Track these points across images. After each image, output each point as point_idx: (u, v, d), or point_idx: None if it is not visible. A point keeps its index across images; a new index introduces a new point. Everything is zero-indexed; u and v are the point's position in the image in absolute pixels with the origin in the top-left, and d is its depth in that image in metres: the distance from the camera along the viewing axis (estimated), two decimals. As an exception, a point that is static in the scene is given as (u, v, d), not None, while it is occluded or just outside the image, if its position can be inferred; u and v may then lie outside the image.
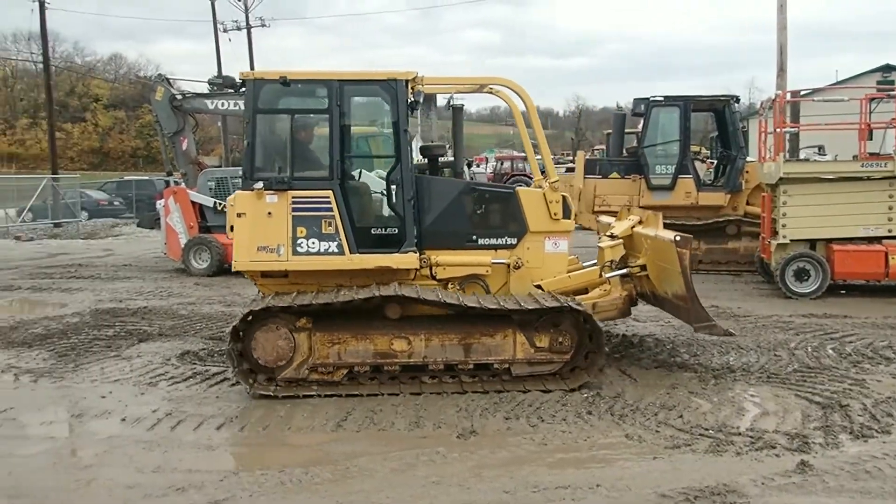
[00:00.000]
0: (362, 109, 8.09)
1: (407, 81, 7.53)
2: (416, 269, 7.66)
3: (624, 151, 16.65)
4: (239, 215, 7.41)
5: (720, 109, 15.48)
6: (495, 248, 7.85)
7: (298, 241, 7.36)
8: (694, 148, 17.13)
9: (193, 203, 15.71)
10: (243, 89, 7.60)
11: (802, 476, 5.29)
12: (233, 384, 7.50)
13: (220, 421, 6.61)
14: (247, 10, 43.36)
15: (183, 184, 16.23)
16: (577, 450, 5.93)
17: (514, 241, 7.85)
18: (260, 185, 7.32)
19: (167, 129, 16.11)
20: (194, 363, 8.46)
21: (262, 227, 7.35)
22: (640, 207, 14.96)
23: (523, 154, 48.06)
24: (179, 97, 15.99)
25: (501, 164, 39.46)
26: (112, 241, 23.61)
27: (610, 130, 25.45)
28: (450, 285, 7.83)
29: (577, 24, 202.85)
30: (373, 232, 7.55)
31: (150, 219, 26.09)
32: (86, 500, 5.16)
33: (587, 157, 16.48)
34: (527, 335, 7.37)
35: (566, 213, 7.88)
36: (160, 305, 11.85)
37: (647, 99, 15.04)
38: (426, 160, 8.61)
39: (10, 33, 78.88)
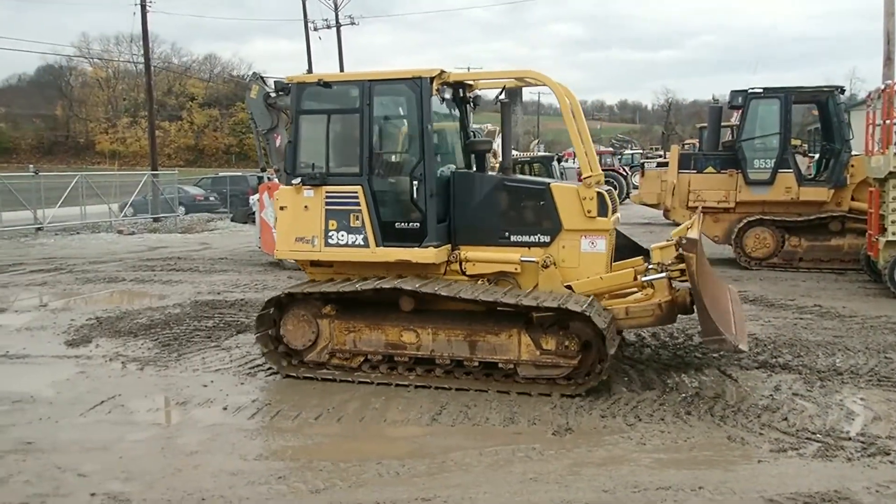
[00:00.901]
0: (391, 107, 8.16)
1: (432, 79, 7.59)
2: (446, 264, 7.79)
3: (720, 145, 16.15)
4: (282, 208, 7.99)
5: (823, 101, 14.82)
6: (528, 245, 7.69)
7: (330, 234, 7.79)
8: (793, 142, 16.44)
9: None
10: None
11: (922, 485, 5.03)
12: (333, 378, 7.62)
13: (318, 412, 6.73)
14: (336, 9, 44.02)
15: (276, 179, 16.57)
16: (677, 450, 5.78)
17: (547, 238, 7.65)
18: (298, 180, 7.79)
19: (261, 126, 16.44)
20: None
21: (300, 220, 7.87)
22: (737, 203, 14.63)
23: (611, 149, 47.43)
24: (273, 95, 16.31)
25: (589, 159, 38.83)
26: (208, 236, 24.34)
27: (703, 124, 24.82)
28: (479, 281, 7.78)
29: (666, 15, 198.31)
30: (396, 226, 7.72)
31: (244, 213, 26.89)
32: (192, 485, 5.30)
33: (680, 151, 16.01)
34: (532, 336, 7.19)
35: (602, 211, 7.52)
36: (256, 298, 12.15)
37: (746, 91, 14.51)
38: (472, 155, 8.56)
39: (112, 36, 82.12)
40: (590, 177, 7.55)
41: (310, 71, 38.39)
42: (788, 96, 14.34)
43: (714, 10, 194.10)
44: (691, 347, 8.64)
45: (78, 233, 24.55)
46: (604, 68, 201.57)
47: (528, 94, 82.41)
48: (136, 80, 72.62)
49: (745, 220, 14.58)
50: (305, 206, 7.84)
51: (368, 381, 7.51)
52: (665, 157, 35.60)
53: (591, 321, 6.81)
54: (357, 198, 7.69)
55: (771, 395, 6.95)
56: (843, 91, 14.85)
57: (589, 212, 7.51)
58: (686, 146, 24.27)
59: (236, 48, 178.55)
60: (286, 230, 7.98)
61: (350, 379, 7.57)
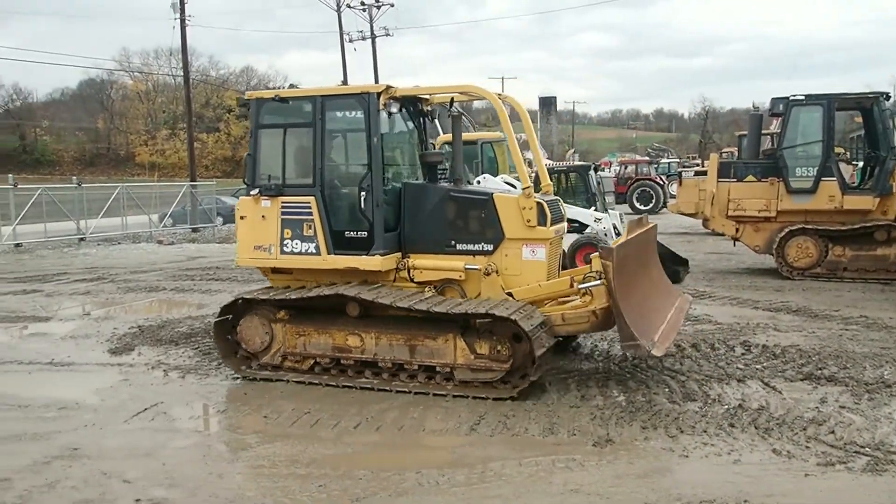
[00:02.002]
0: (342, 122, 8.45)
1: (379, 94, 7.88)
2: (395, 272, 8.08)
3: (760, 153, 15.92)
4: (241, 218, 8.42)
5: (868, 107, 14.53)
6: (473, 253, 7.93)
7: (285, 242, 8.19)
8: (837, 150, 16.15)
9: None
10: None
11: (977, 501, 4.89)
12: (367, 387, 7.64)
13: (357, 421, 6.74)
14: (371, 21, 44.35)
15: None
16: (721, 463, 5.68)
17: (490, 247, 7.88)
18: (256, 191, 8.23)
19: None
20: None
21: (258, 229, 8.29)
22: (778, 212, 14.40)
23: (647, 158, 47.09)
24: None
25: (625, 168, 38.65)
26: (246, 245, 24.57)
27: (742, 132, 24.58)
28: (427, 288, 8.01)
29: (700, 23, 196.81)
30: (346, 235, 8.05)
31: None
32: (234, 492, 5.34)
33: (720, 159, 15.82)
34: (467, 341, 7.35)
35: (542, 220, 7.70)
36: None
37: (787, 98, 14.28)
38: (426, 167, 8.73)
39: (151, 50, 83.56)
40: (527, 187, 7.74)
41: (345, 82, 38.72)
42: (831, 103, 14.08)
43: (749, 17, 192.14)
44: (733, 358, 8.51)
45: (119, 243, 25.00)
46: (638, 77, 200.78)
47: (562, 104, 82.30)
48: (175, 93, 73.82)
49: (786, 230, 14.32)
50: (263, 216, 8.25)
51: (318, 382, 7.82)
52: (703, 166, 35.29)
53: (517, 325, 6.94)
54: (310, 208, 8.07)
55: (817, 407, 6.81)
56: (888, 97, 14.54)
57: (528, 221, 7.71)
58: (724, 154, 23.97)
59: (272, 60, 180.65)
60: (245, 239, 8.40)
61: (301, 380, 7.91)
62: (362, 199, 7.89)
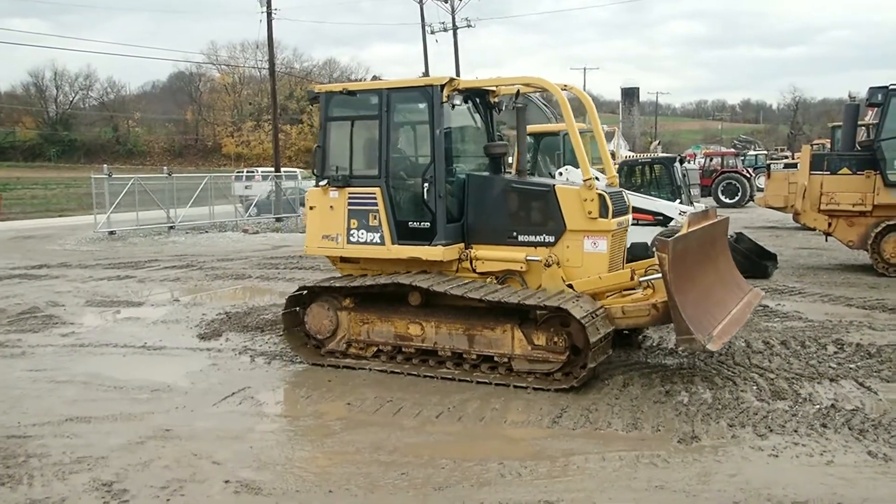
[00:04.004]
0: (407, 114, 8.56)
1: (442, 86, 7.97)
2: (458, 262, 8.18)
3: (856, 145, 15.28)
4: (311, 208, 8.69)
5: (972, 96, 13.79)
6: (535, 245, 7.91)
7: (351, 232, 8.41)
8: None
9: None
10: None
11: None
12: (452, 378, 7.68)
13: (439, 410, 6.78)
14: (453, 12, 44.37)
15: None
16: (813, 464, 5.49)
17: (552, 238, 7.84)
18: (325, 182, 8.46)
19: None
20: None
21: (327, 219, 8.54)
22: (874, 206, 13.81)
23: (733, 150, 45.83)
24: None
25: (710, 160, 37.71)
26: (327, 235, 24.97)
27: (836, 123, 23.62)
28: (489, 279, 8.08)
29: (795, 10, 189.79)
30: (410, 225, 8.19)
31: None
32: (320, 476, 5.44)
33: (812, 151, 15.25)
34: (524, 331, 7.38)
35: (604, 212, 7.60)
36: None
37: (886, 87, 13.65)
38: (489, 159, 8.71)
39: (238, 43, 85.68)
40: (588, 179, 7.65)
41: (426, 74, 38.89)
42: (933, 92, 13.42)
43: (847, 4, 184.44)
44: (825, 357, 8.22)
45: (206, 231, 25.75)
46: (728, 67, 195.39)
47: (644, 95, 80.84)
48: (261, 86, 75.54)
49: (883, 224, 13.71)
50: (331, 206, 8.49)
51: (383, 369, 7.95)
52: (792, 159, 34.12)
53: (569, 313, 6.93)
54: (375, 199, 8.24)
55: (916, 409, 6.53)
56: None
57: (590, 213, 7.63)
58: (815, 146, 23.12)
59: (355, 53, 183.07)
60: (314, 228, 8.66)
61: (366, 367, 8.06)
62: (425, 190, 8.02)
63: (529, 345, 7.40)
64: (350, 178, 8.39)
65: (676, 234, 7.28)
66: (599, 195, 7.64)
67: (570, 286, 7.73)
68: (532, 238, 7.93)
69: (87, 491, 5.26)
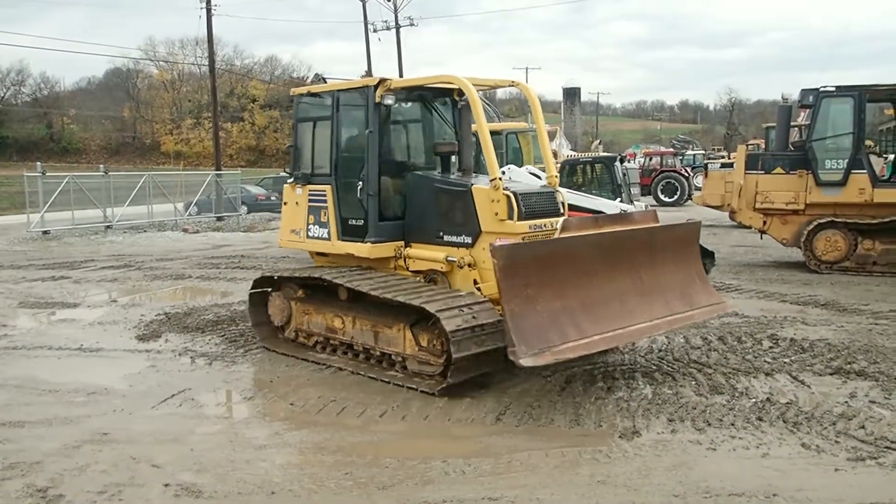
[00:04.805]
0: (352, 114, 8.67)
1: (375, 87, 8.12)
2: (395, 259, 8.38)
3: (789, 145, 15.72)
4: (284, 203, 9.24)
5: (899, 100, 14.33)
6: (456, 245, 7.89)
7: (310, 227, 8.87)
8: (866, 143, 15.92)
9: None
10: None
11: None
12: (399, 382, 7.66)
13: (383, 409, 6.75)
14: (396, 11, 44.24)
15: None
16: (749, 457, 5.63)
17: (470, 240, 7.77)
18: (291, 179, 9.02)
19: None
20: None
21: (293, 214, 9.06)
22: (807, 205, 14.23)
23: (672, 150, 46.70)
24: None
25: (650, 159, 38.37)
26: (269, 234, 24.67)
27: (770, 123, 24.28)
28: (418, 277, 8.19)
29: (732, 13, 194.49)
30: (349, 223, 8.49)
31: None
32: (261, 478, 5.36)
33: (747, 151, 15.64)
34: (413, 332, 7.38)
35: (511, 214, 7.37)
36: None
37: (817, 89, 14.08)
38: (439, 157, 8.71)
39: (177, 39, 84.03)
40: (494, 179, 7.46)
41: (369, 73, 38.73)
42: (863, 95, 13.86)
43: (783, 7, 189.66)
44: (760, 352, 8.44)
45: (145, 231, 25.20)
46: (667, 68, 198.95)
47: (586, 95, 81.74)
48: (200, 83, 74.23)
49: (815, 223, 14.16)
50: (297, 203, 8.99)
51: (316, 361, 8.22)
52: (728, 158, 34.93)
53: (434, 315, 6.75)
54: (326, 196, 8.62)
55: (846, 402, 6.74)
56: (920, 89, 14.31)
57: (497, 214, 7.46)
58: (750, 146, 23.69)
59: (297, 50, 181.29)
60: (285, 223, 9.24)
61: (308, 359, 8.31)
62: (359, 188, 8.24)
63: (416, 346, 7.36)
64: (311, 177, 8.81)
65: (516, 242, 6.96)
66: (507, 196, 7.37)
67: (479, 288, 7.62)
68: (454, 238, 7.90)
69: (20, 497, 5.09)
